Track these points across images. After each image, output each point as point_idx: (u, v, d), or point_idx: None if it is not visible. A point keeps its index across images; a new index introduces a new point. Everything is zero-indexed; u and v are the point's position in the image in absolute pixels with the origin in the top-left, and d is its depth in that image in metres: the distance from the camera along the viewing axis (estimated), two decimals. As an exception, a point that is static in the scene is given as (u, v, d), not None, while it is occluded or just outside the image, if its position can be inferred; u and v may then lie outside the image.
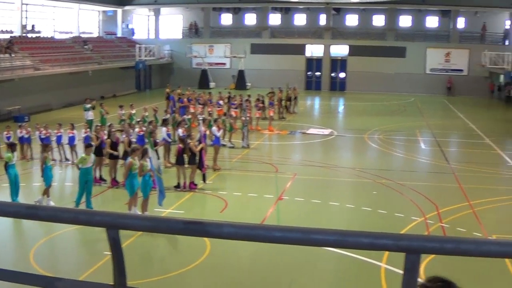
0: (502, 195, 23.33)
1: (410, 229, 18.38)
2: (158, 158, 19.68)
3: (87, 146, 21.12)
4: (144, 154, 19.20)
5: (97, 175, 23.79)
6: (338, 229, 2.35)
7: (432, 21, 69.53)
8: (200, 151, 23.14)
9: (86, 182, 19.98)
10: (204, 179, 23.51)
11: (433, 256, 11.93)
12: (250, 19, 71.69)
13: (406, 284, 2.26)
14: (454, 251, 2.19)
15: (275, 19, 70.89)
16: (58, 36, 58.29)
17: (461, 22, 67.69)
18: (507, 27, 67.07)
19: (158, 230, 2.46)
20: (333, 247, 2.34)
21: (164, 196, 19.15)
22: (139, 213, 18.71)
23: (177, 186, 22.90)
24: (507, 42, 66.12)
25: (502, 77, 62.46)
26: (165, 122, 28.66)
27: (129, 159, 19.33)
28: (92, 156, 20.94)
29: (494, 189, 24.40)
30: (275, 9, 70.22)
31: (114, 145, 24.04)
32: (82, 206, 19.53)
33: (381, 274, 14.50)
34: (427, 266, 15.00)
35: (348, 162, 29.64)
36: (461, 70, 66.03)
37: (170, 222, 2.40)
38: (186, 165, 23.28)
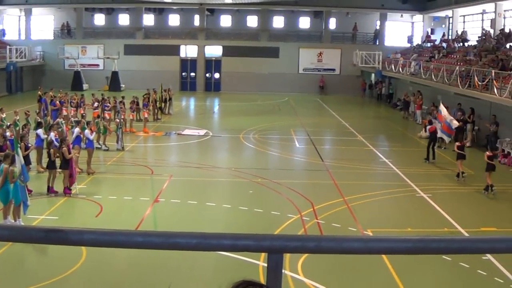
0: (375, 190, 24.11)
1: (286, 227, 18.63)
2: (30, 163, 18.97)
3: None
4: (12, 160, 18.47)
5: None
6: (200, 232, 2.30)
7: (304, 22, 71.03)
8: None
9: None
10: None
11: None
12: (124, 19, 70.60)
13: (271, 284, 2.24)
14: (316, 249, 2.20)
15: (149, 19, 70.14)
16: None
17: (332, 23, 69.50)
18: (378, 27, 69.50)
19: (18, 239, 2.32)
20: (195, 250, 2.29)
21: (27, 205, 18.49)
22: (12, 221, 18.06)
23: (51, 191, 22.22)
24: (377, 42, 68.55)
25: (373, 76, 64.78)
26: (40, 125, 27.67)
27: (4, 166, 18.50)
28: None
29: (368, 184, 25.19)
30: (148, 10, 69.47)
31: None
32: None
33: (260, 273, 14.60)
34: (303, 263, 15.26)
35: (224, 162, 29.75)
36: (333, 70, 67.83)
37: (31, 231, 2.28)
38: (59, 170, 22.64)
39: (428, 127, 32.55)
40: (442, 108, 31.62)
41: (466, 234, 18.56)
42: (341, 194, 22.96)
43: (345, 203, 21.75)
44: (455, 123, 30.22)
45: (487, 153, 24.59)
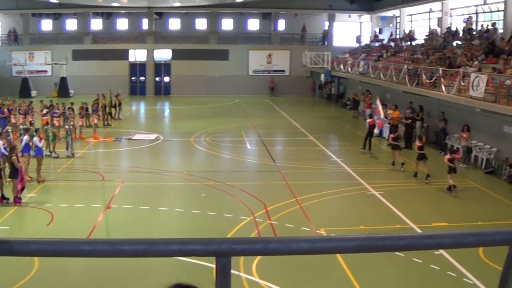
0: (327, 189, 24.30)
1: (239, 229, 18.64)
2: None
3: None
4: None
5: None
6: (146, 238, 2.29)
7: (253, 24, 71.20)
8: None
9: None
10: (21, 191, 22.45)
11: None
12: (71, 24, 69.66)
13: (220, 287, 2.25)
14: (263, 251, 2.21)
15: (97, 24, 69.40)
16: None
17: (281, 24, 69.84)
18: (326, 28, 70.00)
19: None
20: (142, 256, 2.27)
21: None
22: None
23: (3, 198, 21.84)
24: (326, 43, 69.06)
25: (322, 76, 65.25)
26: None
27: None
28: None
29: (320, 184, 25.36)
30: (96, 14, 68.73)
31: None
32: None
33: (214, 276, 14.54)
34: (258, 264, 15.30)
35: (176, 166, 29.62)
36: (283, 71, 68.14)
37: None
38: (8, 179, 22.29)
39: (367, 120, 33.83)
40: (378, 103, 34.83)
41: (418, 230, 18.86)
42: (293, 195, 23.08)
43: (298, 203, 21.87)
44: (382, 117, 34.16)
45: (447, 156, 24.99)
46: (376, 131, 34.39)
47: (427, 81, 34.47)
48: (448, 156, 24.85)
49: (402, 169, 27.80)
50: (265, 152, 32.69)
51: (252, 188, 24.41)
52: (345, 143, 36.36)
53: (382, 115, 34.64)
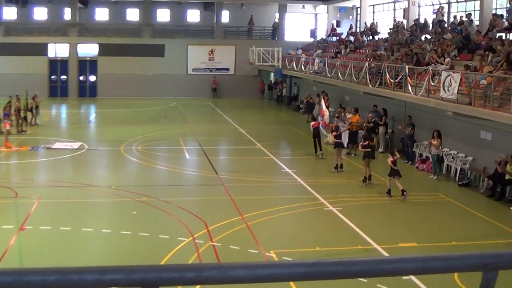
0: (278, 205, 24.27)
1: (176, 252, 18.50)
2: None
3: None
4: None
5: None
6: (59, 267, 2.22)
7: (193, 15, 71.25)
8: None
9: None
10: None
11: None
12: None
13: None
14: (196, 280, 2.19)
15: (10, 13, 68.23)
16: None
17: (225, 16, 70.07)
18: (276, 20, 70.31)
19: None
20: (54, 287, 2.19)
21: None
22: None
23: None
24: (276, 37, 69.31)
25: (272, 75, 65.56)
26: None
27: None
28: None
29: (269, 199, 25.35)
30: (9, 1, 67.56)
31: None
32: None
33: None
34: None
35: (103, 180, 29.33)
36: (227, 69, 68.26)
37: None
38: None
39: (311, 123, 35.12)
40: (322, 103, 36.39)
41: (383, 252, 19.00)
42: (239, 212, 23.03)
43: (244, 221, 21.83)
44: (326, 118, 35.64)
45: (390, 158, 25.78)
46: (325, 133, 35.75)
47: (391, 80, 34.81)
48: (391, 158, 25.67)
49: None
50: (207, 163, 32.62)
51: (191, 204, 24.31)
52: (298, 152, 36.51)
53: (326, 116, 35.73)
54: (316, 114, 42.52)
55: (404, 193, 25.50)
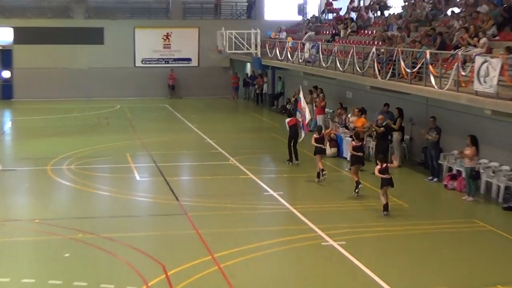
0: (261, 239, 24.09)
1: (124, 308, 18.34)
2: None
3: None
4: None
5: None
6: None
7: (142, -11, 71.13)
8: None
9: None
10: None
11: None
12: None
13: None
14: None
15: None
16: None
17: (184, -12, 69.99)
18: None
19: None
20: None
21: None
22: None
23: None
24: (253, 15, 69.14)
25: (248, 67, 65.41)
26: None
27: None
28: None
29: (248, 232, 25.27)
30: None
31: None
32: None
33: None
34: None
35: (23, 212, 29.13)
36: (188, 60, 68.35)
37: None
38: None
39: (287, 120, 36.57)
40: (301, 96, 36.84)
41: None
42: (208, 250, 22.85)
43: (215, 262, 21.62)
44: (307, 114, 36.06)
45: (377, 166, 26.68)
46: (303, 134, 36.52)
47: (408, 70, 34.61)
48: (378, 167, 26.37)
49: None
50: (164, 185, 32.55)
51: (144, 242, 24.15)
52: (285, 169, 36.51)
53: (307, 114, 36.16)
54: (292, 109, 42.60)
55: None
